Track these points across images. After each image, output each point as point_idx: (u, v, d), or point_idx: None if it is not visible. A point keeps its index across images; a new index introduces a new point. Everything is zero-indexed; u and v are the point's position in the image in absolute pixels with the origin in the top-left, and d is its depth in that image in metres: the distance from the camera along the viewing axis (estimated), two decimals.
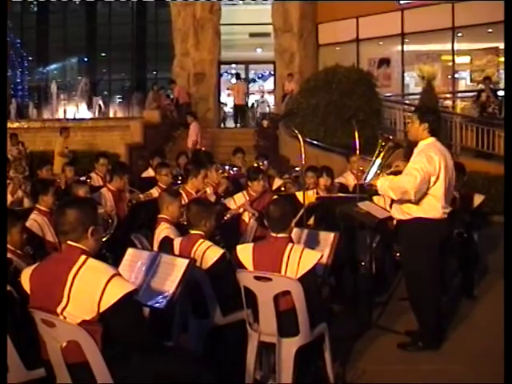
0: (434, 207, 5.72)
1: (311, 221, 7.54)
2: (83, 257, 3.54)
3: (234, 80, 27.13)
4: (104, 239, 6.06)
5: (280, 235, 4.76)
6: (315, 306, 4.68)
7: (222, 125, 24.96)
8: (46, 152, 15.84)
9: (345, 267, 7.32)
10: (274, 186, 9.33)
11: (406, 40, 21.48)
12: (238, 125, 23.61)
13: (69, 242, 3.60)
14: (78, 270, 3.49)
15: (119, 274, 3.53)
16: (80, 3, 34.63)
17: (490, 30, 19.62)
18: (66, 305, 3.46)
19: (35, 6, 35.14)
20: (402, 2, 20.84)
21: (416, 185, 5.56)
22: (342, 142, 14.00)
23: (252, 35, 26.05)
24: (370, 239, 7.70)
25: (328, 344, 4.90)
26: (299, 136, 6.83)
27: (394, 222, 7.34)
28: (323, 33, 23.16)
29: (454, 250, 7.35)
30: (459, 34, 20.37)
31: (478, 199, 8.01)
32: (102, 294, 3.38)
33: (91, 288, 3.42)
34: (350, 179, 9.19)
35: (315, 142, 15.02)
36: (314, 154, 14.77)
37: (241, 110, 23.90)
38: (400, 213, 5.94)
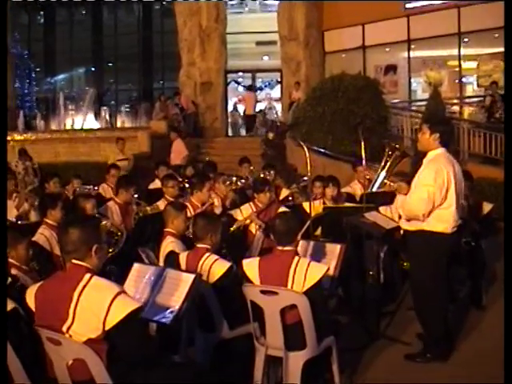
0: (444, 222, 5.66)
1: (318, 231, 7.53)
2: (88, 275, 3.56)
3: (240, 88, 27.26)
4: (112, 253, 6.14)
5: (286, 248, 4.75)
6: (322, 319, 4.67)
7: (231, 133, 25.05)
8: (53, 164, 15.89)
9: (352, 277, 7.28)
10: (281, 196, 9.32)
11: (412, 46, 21.42)
12: (245, 133, 23.68)
13: (73, 261, 3.63)
14: (83, 288, 3.51)
15: (124, 292, 3.55)
16: (86, 14, 34.83)
17: (496, 35, 19.52)
18: (72, 323, 3.49)
19: (42, 18, 35.35)
20: (407, 6, 20.79)
21: (425, 209, 5.56)
22: (350, 150, 14.01)
23: (258, 43, 26.08)
24: (377, 249, 7.72)
25: (335, 357, 4.89)
26: (304, 147, 6.83)
27: (401, 231, 7.36)
28: (329, 40, 23.15)
29: (462, 259, 7.30)
30: (465, 40, 20.31)
31: (486, 207, 7.97)
32: (108, 312, 3.41)
33: (96, 306, 3.43)
34: (356, 188, 9.20)
35: (322, 151, 15.01)
36: (321, 162, 14.79)
37: (251, 120, 23.95)
38: (409, 224, 5.89)
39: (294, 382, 4.57)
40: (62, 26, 35.21)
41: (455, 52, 20.67)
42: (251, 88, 25.10)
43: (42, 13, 35.01)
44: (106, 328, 3.41)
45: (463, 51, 20.49)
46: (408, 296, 7.29)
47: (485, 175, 13.63)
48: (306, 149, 6.84)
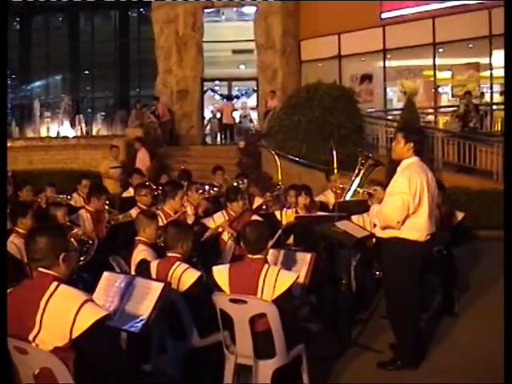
0: (418, 230, 5.70)
1: (290, 240, 7.54)
2: (55, 283, 3.54)
3: (217, 97, 27.27)
4: (84, 261, 6.11)
5: (256, 256, 4.76)
6: (291, 327, 4.68)
7: (209, 141, 25.12)
8: (28, 171, 15.79)
9: (325, 286, 7.29)
10: (255, 205, 9.33)
11: (387, 56, 21.61)
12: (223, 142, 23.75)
13: (40, 269, 3.60)
14: (50, 296, 3.49)
15: (91, 300, 3.52)
16: (62, 21, 34.67)
17: (470, 45, 19.82)
18: (38, 332, 3.46)
19: (17, 24, 35.13)
20: (383, 17, 20.97)
21: (400, 216, 5.59)
22: (325, 158, 14.03)
23: (235, 52, 26.10)
24: (349, 258, 7.75)
25: (306, 365, 4.90)
26: (275, 156, 6.86)
27: (374, 240, 7.40)
28: (306, 49, 23.27)
29: (434, 268, 7.35)
30: (440, 50, 20.53)
31: (458, 216, 8.02)
32: (74, 320, 3.39)
33: (63, 314, 3.41)
34: (330, 197, 9.23)
35: (297, 159, 15.06)
36: (296, 171, 14.86)
37: (228, 129, 23.99)
38: (383, 232, 5.91)
39: None
40: (38, 32, 35.05)
41: (430, 62, 20.88)
42: (229, 97, 25.15)
43: (17, 19, 34.80)
44: (73, 336, 3.39)
45: (438, 61, 20.70)
46: (381, 304, 7.34)
47: (459, 184, 13.80)
48: (276, 157, 6.87)
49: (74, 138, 21.48)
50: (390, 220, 5.69)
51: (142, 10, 31.58)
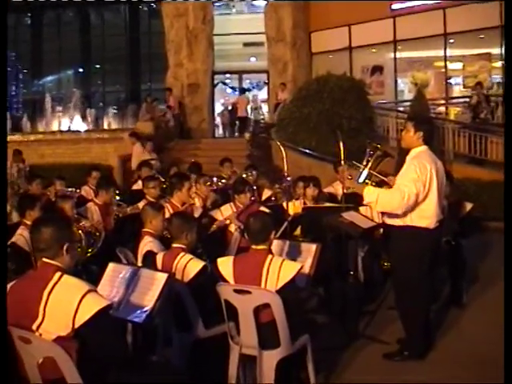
0: (427, 217, 5.73)
1: (298, 231, 7.54)
2: (58, 274, 3.57)
3: (228, 90, 27.30)
4: (91, 253, 6.14)
5: (260, 247, 4.76)
6: (296, 317, 4.69)
7: (222, 134, 25.15)
8: (39, 165, 15.89)
9: (333, 277, 7.29)
10: (264, 197, 9.35)
11: (398, 47, 21.53)
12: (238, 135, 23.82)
13: (44, 260, 3.63)
14: (53, 286, 3.52)
15: (94, 290, 3.55)
16: (73, 15, 34.76)
17: (481, 36, 19.69)
18: (42, 321, 3.49)
19: (29, 19, 35.26)
20: (393, 8, 20.87)
21: (404, 204, 5.60)
22: (335, 150, 13.98)
23: (246, 45, 26.10)
24: (357, 248, 7.75)
25: (311, 356, 4.90)
26: (282, 148, 6.85)
27: (381, 230, 7.39)
28: (316, 41, 23.21)
29: (443, 258, 7.33)
30: (451, 41, 20.43)
31: (467, 207, 8.00)
32: (77, 310, 3.41)
33: (66, 304, 3.44)
34: (338, 189, 9.20)
35: (308, 151, 15.04)
36: (306, 163, 14.83)
37: (243, 122, 24.02)
38: (392, 220, 5.92)
39: (269, 381, 4.58)
40: (49, 27, 35.17)
41: (441, 53, 20.78)
42: (243, 91, 25.17)
43: (29, 14, 34.92)
44: (76, 326, 3.41)
45: (449, 52, 20.61)
46: (389, 296, 7.33)
47: (469, 175, 13.74)
48: (282, 148, 6.87)
49: (85, 131, 21.55)
50: (395, 208, 5.70)
51: (152, 4, 31.55)
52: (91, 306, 3.42)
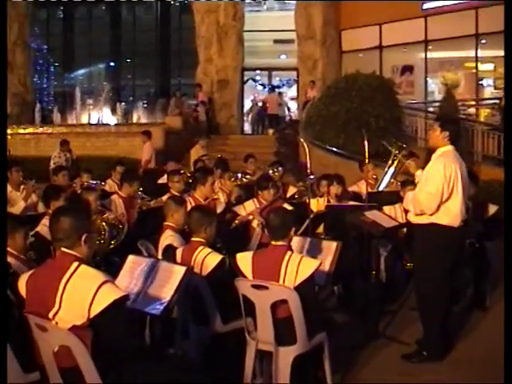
0: (452, 215, 5.75)
1: (321, 229, 7.52)
2: (75, 263, 3.60)
3: (259, 87, 27.32)
4: (114, 245, 6.20)
5: (279, 243, 4.76)
6: (314, 314, 4.67)
7: (250, 130, 25.22)
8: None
9: (355, 276, 7.27)
10: (289, 194, 9.34)
11: (429, 47, 21.36)
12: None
13: (62, 249, 3.66)
14: (70, 276, 3.55)
15: (111, 281, 3.57)
16: (105, 10, 35.05)
17: None
18: (58, 310, 3.52)
19: (61, 13, 35.59)
20: (425, 7, 20.70)
21: (434, 202, 5.67)
22: (362, 149, 13.93)
23: (276, 42, 26.13)
24: (380, 248, 7.71)
25: (328, 354, 4.87)
26: (305, 145, 6.83)
27: (405, 230, 7.35)
28: (346, 39, 23.15)
29: (467, 260, 7.27)
30: (483, 41, 20.21)
31: (491, 209, 7.91)
32: (93, 299, 3.44)
33: (82, 294, 3.47)
34: (363, 188, 9.17)
35: (335, 150, 14.98)
36: (333, 161, 14.78)
37: (273, 119, 24.04)
38: (417, 217, 5.94)
39: (284, 377, 4.57)
40: (81, 21, 35.50)
41: (472, 53, 20.58)
42: (273, 88, 25.15)
43: (61, 8, 35.25)
44: (91, 315, 3.44)
45: (480, 53, 20.40)
46: (411, 296, 7.28)
47: (498, 177, 13.52)
48: (305, 145, 6.85)
49: (114, 125, 21.69)
50: (424, 206, 5.76)
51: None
52: (107, 296, 3.45)
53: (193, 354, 5.06)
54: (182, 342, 5.13)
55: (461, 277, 7.15)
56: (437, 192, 5.63)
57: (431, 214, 5.74)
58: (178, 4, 33.51)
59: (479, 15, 19.64)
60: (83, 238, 3.65)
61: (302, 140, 7.32)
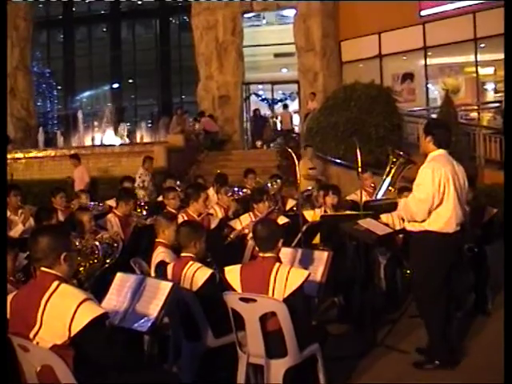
0: (444, 221, 5.66)
1: (317, 239, 7.48)
2: (56, 282, 3.60)
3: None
4: (109, 263, 6.17)
5: (267, 255, 4.74)
6: (304, 326, 4.64)
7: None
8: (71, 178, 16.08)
9: (353, 285, 7.21)
10: (288, 206, 9.31)
11: (428, 53, 21.33)
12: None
13: (42, 269, 3.67)
14: (51, 295, 3.55)
15: (90, 299, 3.56)
16: (105, 31, 35.33)
17: None
18: (39, 329, 3.53)
19: (62, 35, 35.85)
20: (422, 14, 20.70)
21: (424, 209, 5.62)
22: (363, 159, 13.89)
23: (277, 55, 26.17)
24: (380, 256, 7.67)
25: (322, 365, 4.82)
26: (293, 155, 6.81)
27: (401, 236, 7.29)
28: (346, 50, 23.15)
29: (466, 266, 7.20)
30: (482, 45, 20.15)
31: (489, 212, 7.83)
32: (73, 318, 3.44)
33: (62, 313, 3.47)
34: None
35: (336, 160, 14.98)
36: (335, 171, 14.81)
37: (287, 135, 23.89)
38: (412, 225, 5.88)
39: None
40: (82, 43, 35.82)
41: (472, 58, 20.53)
42: (286, 106, 25.14)
43: (61, 31, 35.55)
44: (72, 334, 3.44)
45: (480, 57, 20.35)
46: (412, 304, 7.21)
47: (501, 181, 13.42)
48: (294, 155, 6.83)
49: (117, 146, 21.74)
50: (415, 214, 5.70)
51: (182, 16, 31.86)
52: (87, 314, 3.44)
53: (186, 370, 5.02)
54: (176, 358, 5.11)
55: (462, 283, 7.09)
56: (426, 198, 5.58)
57: (423, 221, 5.68)
58: (176, 22, 33.74)
59: (477, 19, 19.60)
60: (62, 256, 3.65)
61: (290, 150, 7.26)
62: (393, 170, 6.84)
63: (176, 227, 6.01)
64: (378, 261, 7.63)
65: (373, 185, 8.98)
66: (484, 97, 20.90)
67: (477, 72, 20.59)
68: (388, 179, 6.87)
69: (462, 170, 5.92)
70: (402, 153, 7.32)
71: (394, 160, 6.95)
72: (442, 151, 5.81)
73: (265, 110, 26.76)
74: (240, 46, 23.43)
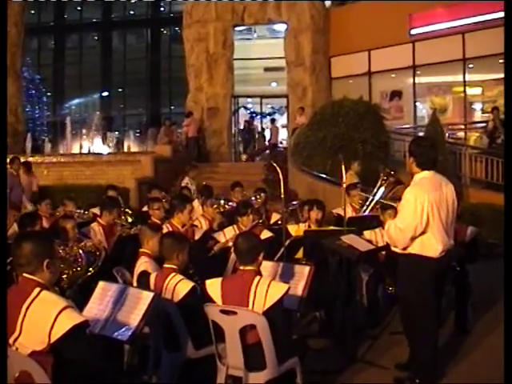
0: (432, 246, 5.54)
1: (300, 254, 7.50)
2: (37, 289, 3.60)
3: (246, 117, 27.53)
4: (92, 272, 6.18)
5: (247, 268, 4.76)
6: (284, 339, 4.65)
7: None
8: (57, 186, 16.09)
9: (334, 300, 7.22)
10: (272, 220, 9.34)
11: (417, 72, 21.50)
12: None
13: (24, 275, 3.67)
14: (32, 301, 3.56)
15: (71, 307, 3.57)
16: (97, 39, 35.37)
17: (500, 61, 19.50)
18: (19, 335, 3.53)
19: (52, 42, 35.85)
20: (412, 33, 20.87)
21: (402, 241, 5.56)
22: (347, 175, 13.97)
23: (267, 69, 26.29)
24: (362, 273, 7.70)
25: (301, 379, 4.84)
26: (278, 169, 6.86)
27: (384, 253, 7.32)
28: (336, 66, 23.30)
29: (448, 284, 7.22)
30: (470, 66, 20.35)
31: (471, 232, 7.86)
32: (53, 325, 3.44)
33: (42, 319, 3.48)
34: (348, 211, 9.15)
35: (323, 176, 15.01)
36: (321, 187, 14.80)
37: (275, 149, 23.99)
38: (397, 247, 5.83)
39: None
40: (72, 50, 35.83)
41: (460, 78, 20.71)
42: (274, 121, 25.28)
43: (52, 38, 35.56)
44: (52, 341, 3.45)
45: (468, 77, 20.52)
46: (394, 320, 7.25)
47: (486, 200, 13.61)
48: (278, 169, 6.88)
49: (104, 154, 21.74)
50: (395, 241, 5.64)
51: (173, 27, 31.97)
52: (67, 322, 3.45)
53: (165, 380, 5.03)
54: (155, 368, 5.11)
55: (442, 300, 7.12)
56: (406, 228, 5.45)
57: (404, 248, 5.61)
58: (167, 33, 33.85)
59: (466, 40, 19.79)
60: (45, 263, 3.66)
61: (274, 164, 7.31)
62: (382, 188, 6.87)
63: (160, 238, 6.03)
64: (360, 277, 7.65)
65: (360, 201, 9.00)
66: (471, 116, 21.07)
67: (465, 92, 20.77)
68: (377, 196, 6.90)
69: (451, 189, 5.74)
70: (393, 172, 7.35)
71: (385, 178, 6.99)
72: (426, 173, 5.63)
73: (254, 123, 26.88)
74: (230, 59, 23.50)
